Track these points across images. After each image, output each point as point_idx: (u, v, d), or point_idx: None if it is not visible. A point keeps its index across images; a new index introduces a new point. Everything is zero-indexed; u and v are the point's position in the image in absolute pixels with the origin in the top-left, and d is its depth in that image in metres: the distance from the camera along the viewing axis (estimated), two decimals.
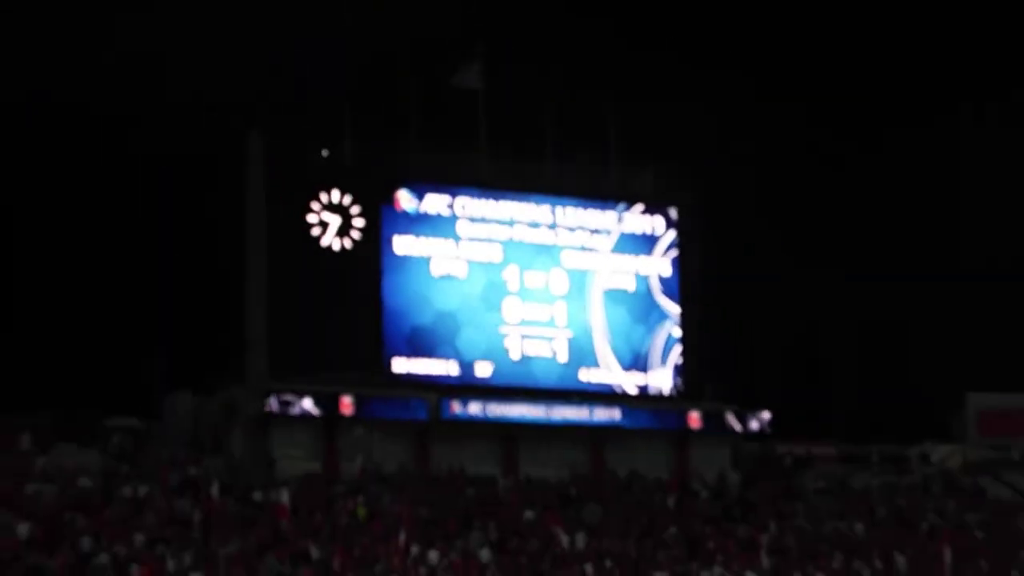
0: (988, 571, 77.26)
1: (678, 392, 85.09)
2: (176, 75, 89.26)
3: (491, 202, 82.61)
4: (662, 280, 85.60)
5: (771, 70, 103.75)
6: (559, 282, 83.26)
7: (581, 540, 72.53)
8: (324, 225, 79.02)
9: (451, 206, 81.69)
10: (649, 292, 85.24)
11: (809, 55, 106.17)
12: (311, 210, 78.86)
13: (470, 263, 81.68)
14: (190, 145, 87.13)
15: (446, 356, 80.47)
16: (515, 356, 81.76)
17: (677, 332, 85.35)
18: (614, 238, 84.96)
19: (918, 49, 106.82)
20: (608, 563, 70.55)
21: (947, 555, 76.79)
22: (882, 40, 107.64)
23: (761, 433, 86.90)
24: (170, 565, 61.36)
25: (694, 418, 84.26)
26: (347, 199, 79.49)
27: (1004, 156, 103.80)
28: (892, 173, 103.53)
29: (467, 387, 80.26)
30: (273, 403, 75.62)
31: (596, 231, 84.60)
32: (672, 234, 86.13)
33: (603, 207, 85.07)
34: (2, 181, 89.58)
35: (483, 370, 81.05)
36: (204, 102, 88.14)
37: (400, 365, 79.51)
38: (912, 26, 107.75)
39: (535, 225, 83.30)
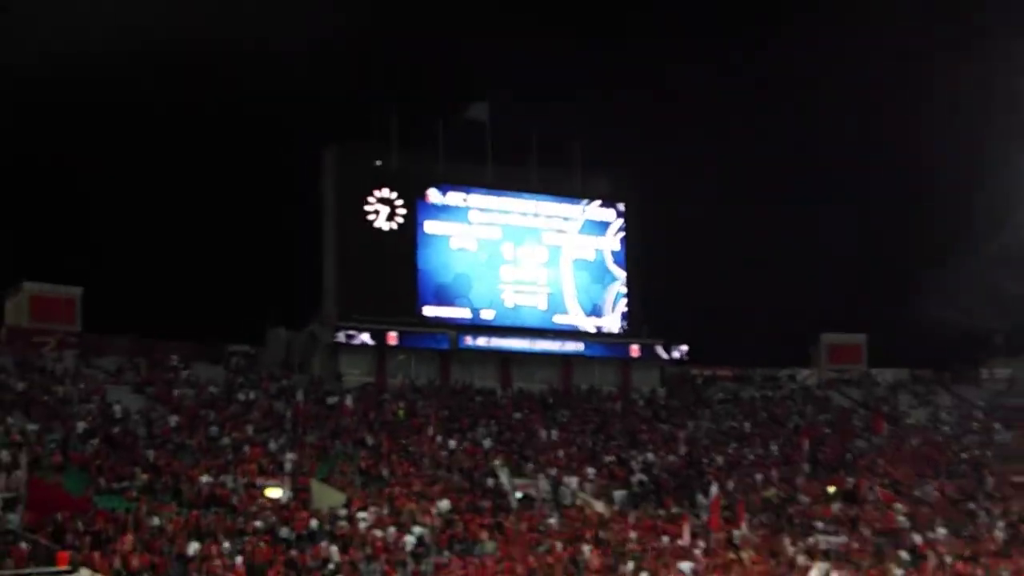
0: (831, 454, 78.84)
1: (623, 331, 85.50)
2: (278, 104, 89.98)
3: (493, 198, 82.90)
4: (613, 253, 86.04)
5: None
6: (541, 254, 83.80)
7: (555, 434, 73.69)
8: (377, 213, 79.32)
9: (465, 200, 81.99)
10: (604, 261, 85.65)
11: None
12: (368, 202, 79.20)
13: (478, 240, 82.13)
14: (284, 158, 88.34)
15: (462, 305, 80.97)
16: (510, 305, 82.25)
17: (623, 289, 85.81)
18: (580, 223, 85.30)
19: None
20: (573, 450, 71.92)
21: (805, 444, 78.18)
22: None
23: (680, 360, 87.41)
24: (271, 447, 62.89)
25: (634, 349, 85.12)
26: (393, 195, 79.77)
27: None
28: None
29: (476, 326, 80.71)
30: (341, 336, 76.62)
31: (567, 219, 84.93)
32: (620, 221, 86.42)
33: (572, 202, 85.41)
34: (161, 181, 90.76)
35: (487, 315, 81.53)
36: (293, 124, 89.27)
37: (429, 311, 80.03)
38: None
39: (524, 214, 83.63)
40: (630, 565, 55.97)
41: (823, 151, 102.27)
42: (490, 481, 64.43)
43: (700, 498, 67.05)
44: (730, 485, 70.15)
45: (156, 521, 51.18)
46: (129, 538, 48.76)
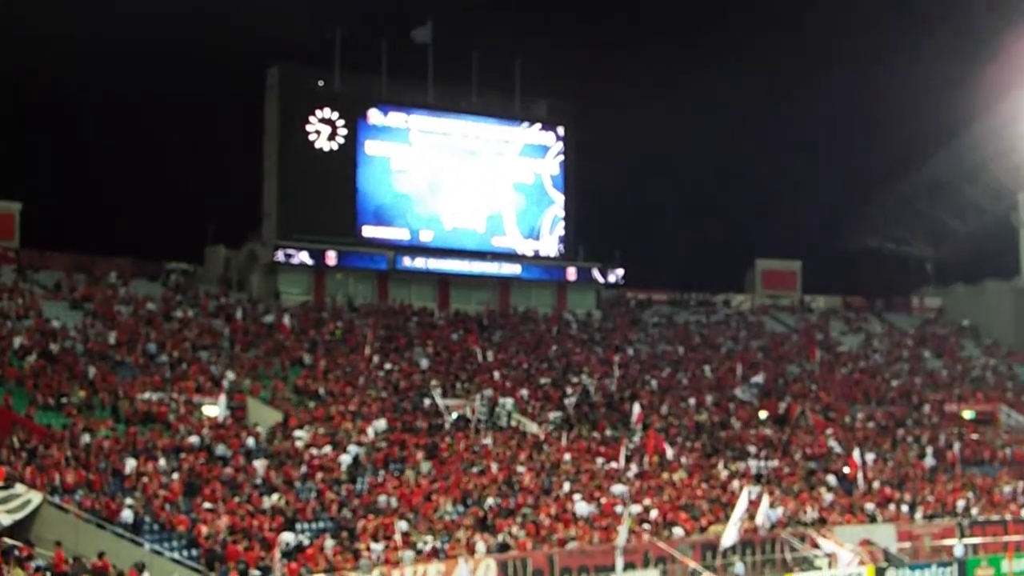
0: (766, 379, 79.43)
1: (560, 254, 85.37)
2: (222, 23, 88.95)
3: (434, 119, 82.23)
4: (551, 177, 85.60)
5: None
6: (480, 176, 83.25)
7: (491, 355, 74.05)
8: (318, 133, 78.51)
9: (407, 121, 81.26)
10: (542, 185, 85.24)
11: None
12: (309, 122, 78.34)
13: (418, 161, 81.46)
14: (227, 77, 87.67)
15: (400, 225, 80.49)
16: (448, 227, 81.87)
17: (560, 213, 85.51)
18: (519, 146, 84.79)
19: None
20: (508, 371, 72.38)
21: (738, 368, 78.90)
22: None
23: (616, 283, 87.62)
24: (208, 365, 62.71)
25: (571, 272, 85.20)
26: (335, 115, 78.95)
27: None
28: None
29: (415, 247, 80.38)
30: (280, 255, 76.14)
31: (507, 141, 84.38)
32: (560, 145, 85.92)
33: (512, 124, 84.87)
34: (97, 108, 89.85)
35: (426, 236, 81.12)
36: (237, 44, 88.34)
37: (368, 231, 79.61)
38: None
39: (464, 136, 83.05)
40: (565, 487, 56.25)
41: (762, 80, 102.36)
42: (426, 401, 64.40)
43: (637, 424, 67.37)
44: (664, 409, 70.64)
45: (93, 437, 50.85)
46: (65, 454, 48.46)
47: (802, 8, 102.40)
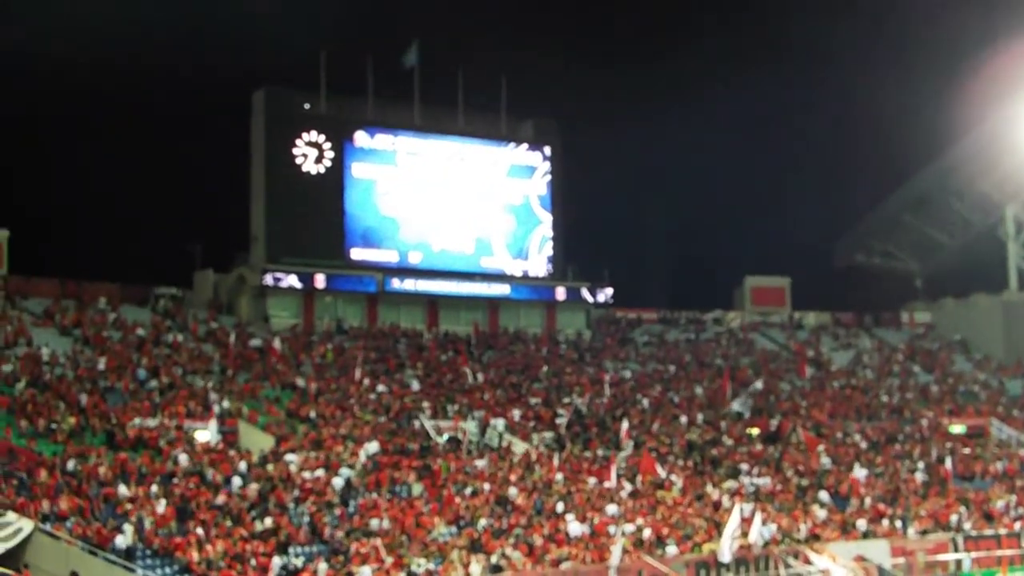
0: (757, 395, 79.38)
1: (549, 274, 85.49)
2: (207, 47, 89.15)
3: (421, 141, 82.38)
4: (539, 197, 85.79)
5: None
6: (468, 197, 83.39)
7: (481, 376, 74.01)
8: (305, 156, 78.59)
9: (393, 143, 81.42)
10: (530, 205, 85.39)
11: None
12: (296, 145, 78.43)
13: (406, 183, 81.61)
14: (213, 101, 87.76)
15: (389, 247, 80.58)
16: (437, 248, 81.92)
17: (549, 233, 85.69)
18: (506, 167, 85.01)
19: None
20: (499, 392, 72.20)
21: (728, 386, 78.94)
22: None
23: (606, 303, 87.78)
24: (199, 389, 62.29)
25: (560, 292, 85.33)
26: (321, 138, 79.05)
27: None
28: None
29: (404, 269, 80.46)
30: (269, 279, 76.23)
31: (494, 162, 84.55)
32: (547, 165, 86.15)
33: (499, 145, 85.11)
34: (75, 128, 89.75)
35: (415, 257, 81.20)
36: (222, 67, 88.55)
37: (357, 253, 79.66)
38: None
39: (451, 157, 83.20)
40: (559, 506, 56.20)
41: (749, 99, 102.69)
42: (417, 423, 64.34)
43: (625, 440, 67.36)
44: (655, 427, 70.64)
45: (84, 464, 50.74)
46: (57, 481, 48.36)
47: (789, 30, 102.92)
